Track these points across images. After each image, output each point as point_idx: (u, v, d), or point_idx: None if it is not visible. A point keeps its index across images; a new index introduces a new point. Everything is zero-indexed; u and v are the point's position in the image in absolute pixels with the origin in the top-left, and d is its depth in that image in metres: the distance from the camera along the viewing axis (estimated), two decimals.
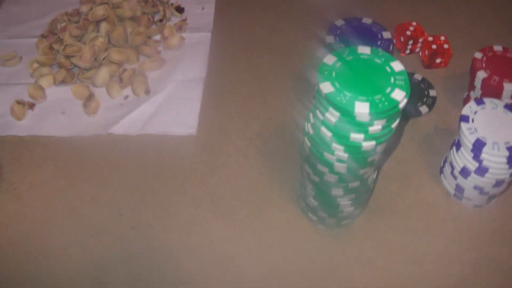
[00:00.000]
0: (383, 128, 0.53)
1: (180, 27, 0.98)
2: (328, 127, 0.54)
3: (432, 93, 0.84)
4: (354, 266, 0.68)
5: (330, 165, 0.57)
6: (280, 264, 0.69)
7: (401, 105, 0.52)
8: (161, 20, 0.97)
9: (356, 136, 0.53)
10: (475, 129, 0.68)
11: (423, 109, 0.82)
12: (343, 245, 0.70)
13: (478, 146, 0.66)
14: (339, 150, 0.55)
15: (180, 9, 1.01)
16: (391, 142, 0.58)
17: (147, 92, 0.89)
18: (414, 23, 0.91)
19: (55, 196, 0.76)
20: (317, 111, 0.55)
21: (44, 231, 0.73)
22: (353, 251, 0.69)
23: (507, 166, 0.66)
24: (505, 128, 0.68)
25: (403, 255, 0.69)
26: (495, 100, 0.71)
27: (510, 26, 0.98)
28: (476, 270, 0.68)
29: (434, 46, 0.88)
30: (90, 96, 0.86)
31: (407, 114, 0.83)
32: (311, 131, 0.57)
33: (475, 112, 0.70)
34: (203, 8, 1.03)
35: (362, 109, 0.51)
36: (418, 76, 0.86)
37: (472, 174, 0.69)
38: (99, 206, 0.75)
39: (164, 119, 0.85)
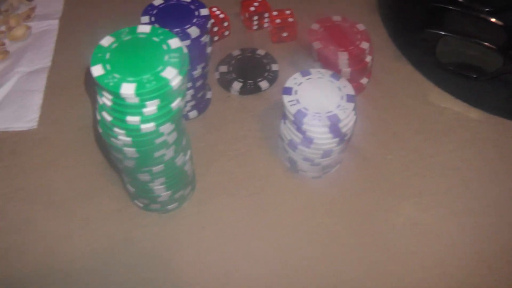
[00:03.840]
0: (160, 108, 0.51)
1: (28, 16, 0.94)
2: (107, 111, 0.52)
3: (275, 67, 0.83)
4: (185, 250, 0.67)
5: (121, 151, 0.55)
6: (109, 256, 0.67)
7: (174, 83, 0.50)
8: (7, 10, 0.93)
9: (133, 119, 0.51)
10: (297, 100, 0.67)
11: (263, 84, 0.81)
12: (172, 230, 0.68)
13: (299, 117, 0.65)
14: (122, 135, 0.53)
15: None
16: (179, 121, 0.56)
17: None
18: None
19: None
20: (98, 95, 0.53)
21: None
22: (184, 235, 0.68)
23: (330, 136, 0.66)
24: (329, 98, 0.67)
25: (234, 233, 0.68)
26: (322, 70, 0.70)
27: None
28: (309, 239, 0.68)
29: (278, 21, 0.86)
30: None
31: (246, 91, 0.82)
32: (98, 117, 0.55)
33: (300, 84, 0.68)
34: None
35: (127, 90, 0.49)
36: (260, 52, 0.85)
37: (299, 146, 0.68)
38: None
39: (5, 115, 0.82)
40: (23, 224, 0.70)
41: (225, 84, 0.82)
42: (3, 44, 0.91)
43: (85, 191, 0.73)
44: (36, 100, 0.84)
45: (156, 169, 0.59)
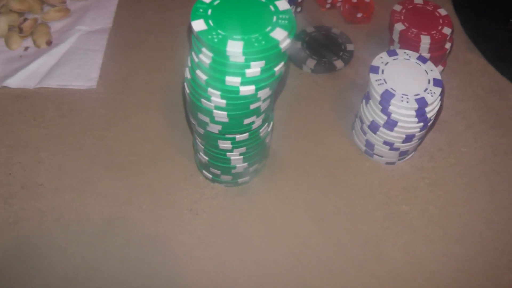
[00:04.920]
0: (263, 71, 0.48)
1: None
2: (203, 70, 0.49)
3: (350, 47, 0.80)
4: (252, 226, 0.64)
5: (210, 114, 0.52)
6: (172, 225, 0.64)
7: (283, 46, 0.47)
8: None
9: (232, 80, 0.48)
10: (384, 80, 0.63)
11: (339, 63, 0.78)
12: (240, 205, 0.65)
13: (386, 97, 0.62)
14: (216, 96, 0.49)
15: None
16: (279, 90, 0.53)
17: (49, 43, 0.82)
18: None
19: None
20: (193, 53, 0.49)
21: None
22: (251, 210, 0.65)
23: (416, 120, 0.62)
24: (416, 80, 0.64)
25: (306, 213, 0.66)
26: (409, 52, 0.67)
27: None
28: (385, 227, 0.65)
29: (354, 0, 0.82)
30: None
31: (320, 69, 0.78)
32: (189, 76, 0.51)
33: (386, 63, 0.65)
34: None
35: (235, 48, 0.46)
36: (335, 31, 0.81)
37: (381, 129, 0.65)
38: None
39: (64, 71, 0.79)
40: (81, 184, 0.68)
41: (298, 60, 0.78)
42: (64, 1, 0.88)
43: (149, 156, 0.70)
44: (97, 60, 0.81)
45: (240, 137, 0.55)
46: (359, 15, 0.84)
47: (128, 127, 0.72)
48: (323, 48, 0.79)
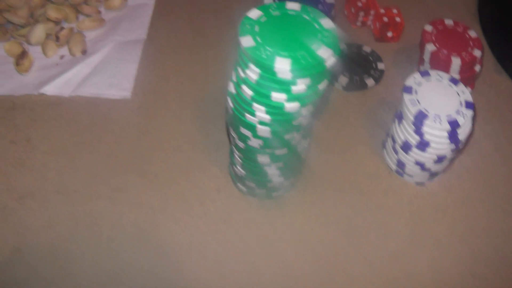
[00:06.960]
0: (308, 88, 0.49)
1: None
2: (249, 86, 0.50)
3: (380, 66, 0.81)
4: (284, 239, 0.65)
5: (252, 128, 0.53)
6: (205, 234, 0.65)
7: (328, 63, 0.48)
8: None
9: (278, 96, 0.49)
10: (418, 100, 0.64)
11: (370, 81, 0.79)
12: (273, 217, 0.66)
13: (420, 118, 0.63)
14: (261, 111, 0.51)
15: None
16: (321, 107, 0.54)
17: (84, 52, 0.84)
18: None
19: None
20: (239, 68, 0.51)
21: None
22: (284, 224, 0.66)
23: (448, 141, 0.63)
24: (449, 102, 0.65)
25: (337, 228, 0.67)
26: (441, 73, 0.68)
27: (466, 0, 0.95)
28: (413, 244, 0.66)
29: (385, 19, 0.84)
30: (23, 53, 0.81)
31: (352, 86, 0.79)
32: (233, 91, 0.53)
33: (419, 84, 0.66)
34: None
35: (283, 64, 0.47)
36: (366, 48, 0.83)
37: (413, 149, 0.66)
38: (24, 169, 0.71)
39: (99, 80, 0.81)
40: (114, 192, 0.69)
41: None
42: (99, 12, 0.90)
43: (182, 166, 0.71)
44: (131, 70, 0.82)
45: (279, 152, 0.57)
46: (390, 33, 0.85)
47: (161, 137, 0.74)
48: (355, 65, 0.80)
